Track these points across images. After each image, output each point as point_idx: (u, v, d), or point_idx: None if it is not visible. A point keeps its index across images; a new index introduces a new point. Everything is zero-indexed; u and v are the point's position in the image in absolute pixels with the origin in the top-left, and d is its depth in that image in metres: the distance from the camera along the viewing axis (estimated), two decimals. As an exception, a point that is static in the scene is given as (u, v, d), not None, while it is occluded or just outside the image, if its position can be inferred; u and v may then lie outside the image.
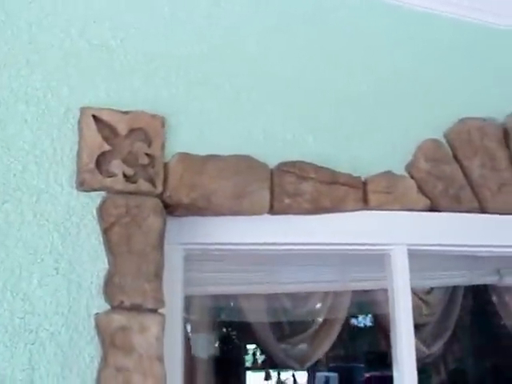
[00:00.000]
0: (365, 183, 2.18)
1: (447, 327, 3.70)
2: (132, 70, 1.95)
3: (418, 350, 3.71)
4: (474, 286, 3.36)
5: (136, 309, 1.75)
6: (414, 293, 3.26)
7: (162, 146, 1.89)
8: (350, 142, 2.23)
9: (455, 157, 2.39)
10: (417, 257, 2.46)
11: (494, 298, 3.42)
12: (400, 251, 2.23)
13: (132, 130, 1.86)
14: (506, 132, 2.50)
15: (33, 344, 1.68)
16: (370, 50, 2.38)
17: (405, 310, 2.22)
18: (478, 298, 4.10)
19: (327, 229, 2.10)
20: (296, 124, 2.16)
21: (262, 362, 11.32)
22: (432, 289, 3.24)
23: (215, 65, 2.09)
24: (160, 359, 1.74)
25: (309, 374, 10.54)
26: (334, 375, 9.90)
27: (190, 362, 3.82)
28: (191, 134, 1.98)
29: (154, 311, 1.78)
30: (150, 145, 1.87)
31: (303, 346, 3.23)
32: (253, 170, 1.99)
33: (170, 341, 1.83)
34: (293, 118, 2.16)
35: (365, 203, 2.16)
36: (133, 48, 1.97)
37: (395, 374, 2.24)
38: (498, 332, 5.42)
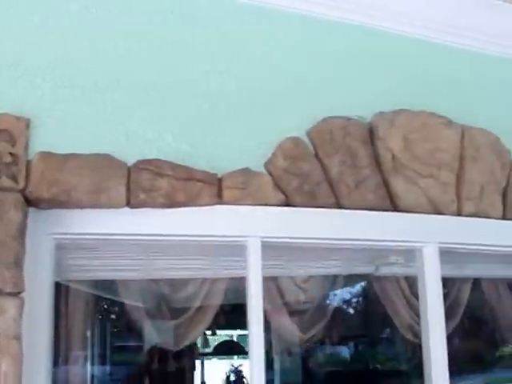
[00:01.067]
0: (220, 179, 2.30)
1: (325, 313, 3.91)
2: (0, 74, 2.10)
3: (294, 335, 3.95)
4: (356, 274, 3.54)
5: (-5, 293, 1.90)
6: (292, 281, 3.48)
7: (26, 146, 2.05)
8: (211, 141, 2.35)
9: (316, 155, 2.50)
10: (292, 248, 2.65)
11: (375, 286, 3.65)
12: (253, 243, 2.35)
13: (-3, 131, 2.01)
14: (371, 131, 2.62)
15: None
16: (232, 50, 2.48)
17: (256, 299, 2.34)
18: (361, 286, 4.30)
19: (183, 222, 2.25)
20: (157, 123, 2.28)
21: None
22: (310, 277, 3.41)
23: (81, 68, 2.22)
24: (17, 338, 1.90)
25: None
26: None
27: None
28: (55, 135, 2.13)
29: (13, 295, 1.93)
30: (14, 145, 2.02)
31: (179, 329, 3.41)
32: (111, 167, 2.15)
33: (33, 322, 2.01)
34: (154, 117, 2.29)
35: (219, 198, 2.29)
36: (2, 52, 2.12)
37: (250, 364, 2.34)
38: (378, 317, 5.68)
